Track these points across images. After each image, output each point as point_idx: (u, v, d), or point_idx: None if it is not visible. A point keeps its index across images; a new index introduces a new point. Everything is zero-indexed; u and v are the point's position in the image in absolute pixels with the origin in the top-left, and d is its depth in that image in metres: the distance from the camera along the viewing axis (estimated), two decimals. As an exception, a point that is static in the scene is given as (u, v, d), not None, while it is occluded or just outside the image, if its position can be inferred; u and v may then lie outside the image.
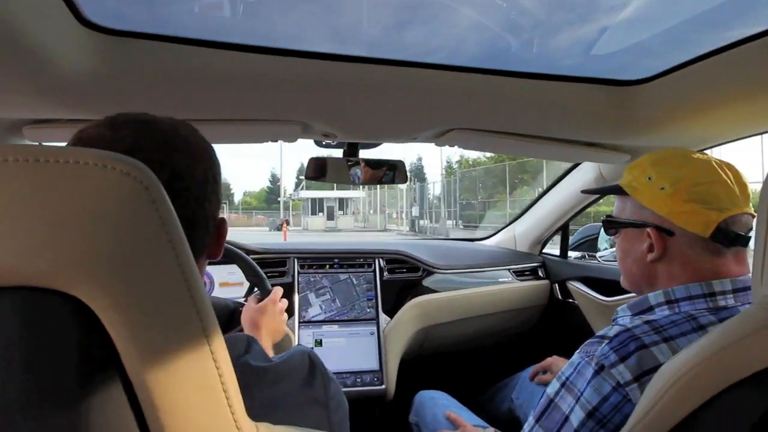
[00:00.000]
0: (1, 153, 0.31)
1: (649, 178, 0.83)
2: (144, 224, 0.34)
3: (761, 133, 1.26)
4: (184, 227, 0.52)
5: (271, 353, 1.08)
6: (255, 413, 0.43)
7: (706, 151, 1.19)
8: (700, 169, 0.80)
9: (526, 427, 0.81)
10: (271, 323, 1.12)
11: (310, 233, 28.81)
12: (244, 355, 0.54)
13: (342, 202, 35.38)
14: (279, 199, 47.66)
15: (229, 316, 1.29)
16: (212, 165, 0.57)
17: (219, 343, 0.38)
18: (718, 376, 0.56)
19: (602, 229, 2.01)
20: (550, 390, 0.80)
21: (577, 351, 0.79)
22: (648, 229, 0.83)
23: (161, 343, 0.34)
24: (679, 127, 1.15)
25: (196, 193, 0.54)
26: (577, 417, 0.73)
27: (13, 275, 0.31)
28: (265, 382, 0.53)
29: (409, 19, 1.11)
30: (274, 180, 62.14)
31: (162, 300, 0.34)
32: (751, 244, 0.68)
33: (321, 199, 33.43)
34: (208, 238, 0.57)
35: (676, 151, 0.86)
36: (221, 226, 0.60)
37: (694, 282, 0.79)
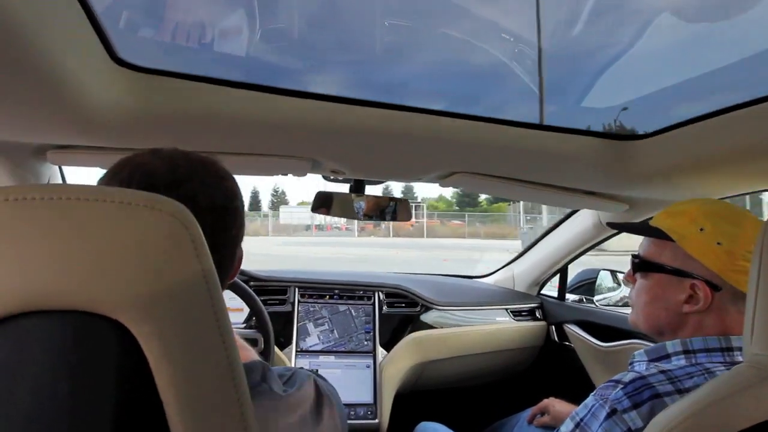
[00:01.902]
0: (67, 192, 0.36)
1: (701, 229, 0.82)
2: (183, 260, 0.38)
3: (758, 192, 1.30)
4: (231, 246, 0.60)
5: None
6: None
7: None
8: (755, 229, 0.79)
9: None
10: None
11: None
12: (261, 383, 0.56)
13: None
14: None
15: None
16: (241, 194, 0.64)
17: (239, 372, 0.41)
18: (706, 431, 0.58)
19: (600, 274, 2.03)
20: (564, 429, 0.81)
21: (592, 393, 0.80)
22: (695, 281, 0.82)
23: (190, 369, 0.38)
24: (677, 182, 1.19)
25: (240, 215, 0.62)
26: None
27: (65, 300, 0.35)
28: (282, 410, 0.56)
29: (416, 64, 1.17)
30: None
31: (194, 330, 0.38)
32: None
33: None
34: (237, 258, 0.64)
35: (730, 206, 0.85)
36: (241, 251, 0.66)
37: (719, 335, 0.80)
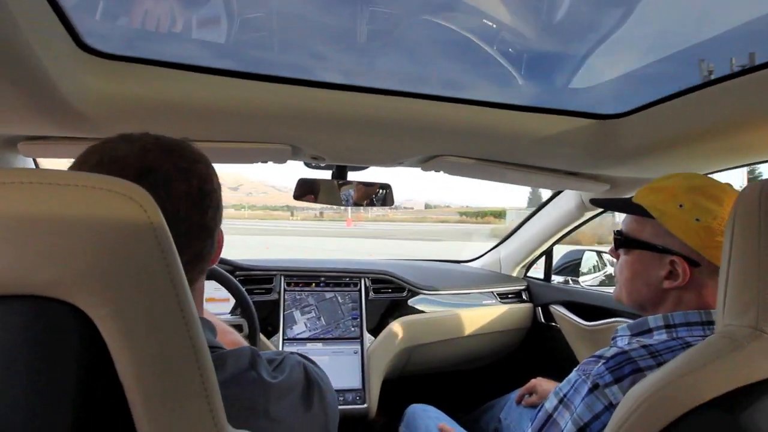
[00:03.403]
0: (20, 176, 0.35)
1: (681, 206, 0.82)
2: (142, 243, 0.37)
3: (738, 167, 1.31)
4: (208, 230, 0.59)
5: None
6: (263, 427, 0.49)
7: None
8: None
9: None
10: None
11: None
12: (249, 369, 0.55)
13: None
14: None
15: None
16: (217, 175, 0.63)
17: (205, 356, 0.40)
18: (680, 401, 0.59)
19: (585, 254, 2.06)
20: (548, 405, 0.82)
21: (575, 369, 0.81)
22: (674, 258, 0.82)
23: (151, 352, 0.37)
24: (656, 159, 1.20)
25: (216, 197, 0.60)
26: (568, 431, 0.76)
27: (20, 284, 0.34)
28: (271, 397, 0.56)
29: (397, 49, 1.16)
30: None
31: (154, 312, 0.37)
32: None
33: None
34: (217, 241, 0.63)
35: (710, 181, 0.85)
36: (221, 234, 0.65)
37: (699, 309, 0.80)
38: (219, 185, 0.62)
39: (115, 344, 0.36)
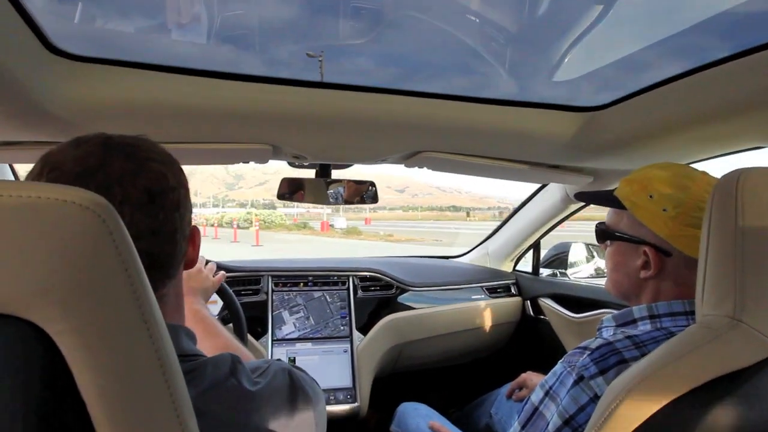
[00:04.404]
0: None
1: (651, 197, 0.83)
2: (100, 254, 0.35)
3: (719, 156, 1.31)
4: (160, 236, 0.54)
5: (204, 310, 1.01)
6: None
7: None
8: (702, 192, 0.79)
9: None
10: (198, 282, 1.05)
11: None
12: (229, 377, 0.54)
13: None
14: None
15: None
16: (182, 173, 0.58)
17: (172, 366, 0.39)
18: (660, 392, 0.59)
19: (572, 247, 2.06)
20: (535, 398, 0.82)
21: (561, 360, 0.81)
22: (645, 248, 0.83)
23: (113, 366, 0.36)
24: (638, 150, 1.20)
25: (173, 198, 0.55)
26: (554, 424, 0.76)
27: None
28: (252, 406, 0.54)
29: (375, 45, 1.15)
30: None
31: (115, 325, 0.36)
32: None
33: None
34: (185, 243, 0.59)
35: (680, 170, 0.85)
36: (195, 234, 0.61)
37: (680, 299, 0.81)
38: (179, 184, 0.56)
39: (75, 360, 0.34)
